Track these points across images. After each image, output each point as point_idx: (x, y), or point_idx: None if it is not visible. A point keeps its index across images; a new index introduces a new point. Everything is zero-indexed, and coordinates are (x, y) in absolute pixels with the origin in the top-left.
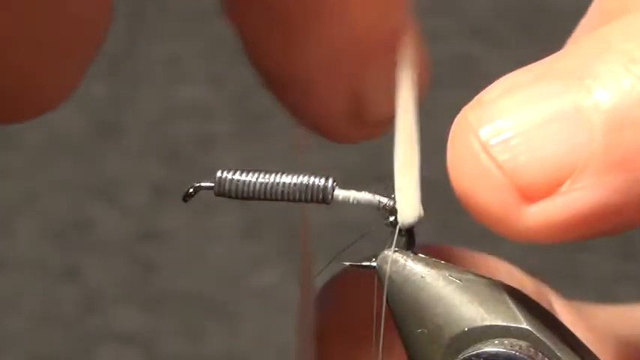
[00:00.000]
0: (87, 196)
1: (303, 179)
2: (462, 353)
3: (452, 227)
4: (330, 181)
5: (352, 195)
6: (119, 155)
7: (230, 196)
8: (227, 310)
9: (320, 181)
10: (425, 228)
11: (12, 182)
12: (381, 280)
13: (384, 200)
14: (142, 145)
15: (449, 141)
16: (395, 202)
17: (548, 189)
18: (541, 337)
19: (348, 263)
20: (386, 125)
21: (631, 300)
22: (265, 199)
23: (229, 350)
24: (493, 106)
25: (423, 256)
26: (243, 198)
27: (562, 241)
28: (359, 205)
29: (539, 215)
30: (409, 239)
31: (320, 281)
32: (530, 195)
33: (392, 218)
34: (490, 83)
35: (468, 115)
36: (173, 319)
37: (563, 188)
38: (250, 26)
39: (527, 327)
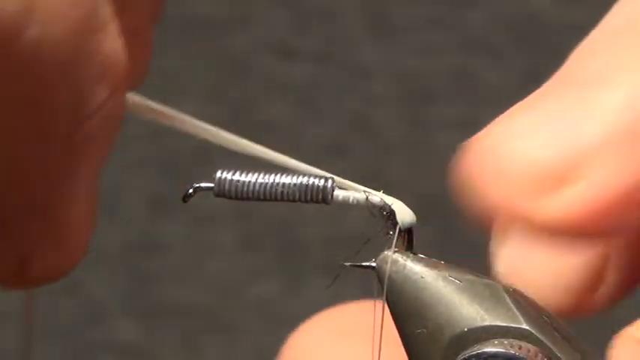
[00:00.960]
0: None
1: (302, 179)
2: (462, 354)
3: (450, 239)
4: (330, 181)
5: (352, 195)
6: (117, 166)
7: (229, 197)
8: (225, 322)
9: (320, 182)
10: (423, 241)
11: None
12: (380, 280)
13: (384, 200)
14: (141, 155)
15: (461, 148)
16: (394, 203)
17: (567, 177)
18: (541, 338)
19: (348, 263)
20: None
21: None
22: (265, 199)
23: None
24: (506, 115)
25: (422, 256)
26: (242, 198)
27: (589, 233)
28: (358, 205)
29: (562, 203)
30: (408, 239)
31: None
32: (551, 184)
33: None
34: (488, 96)
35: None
36: (172, 331)
37: (582, 174)
38: None
39: (527, 327)
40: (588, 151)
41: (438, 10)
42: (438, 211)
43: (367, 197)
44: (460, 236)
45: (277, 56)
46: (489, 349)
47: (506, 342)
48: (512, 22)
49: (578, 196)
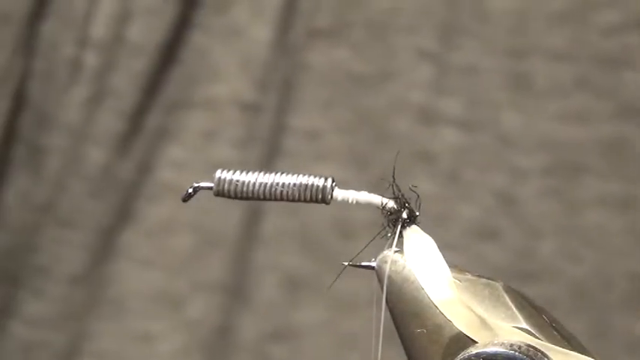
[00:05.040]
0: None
1: (302, 179)
2: (462, 353)
3: (605, 333)
4: (330, 181)
5: (351, 195)
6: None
7: (229, 196)
8: None
9: (319, 182)
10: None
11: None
12: (380, 280)
13: (384, 200)
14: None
15: None
16: (394, 202)
17: None
18: (539, 336)
19: (347, 263)
20: None
21: None
22: (265, 199)
23: None
24: None
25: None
26: (242, 198)
27: None
28: (358, 205)
29: None
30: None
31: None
32: None
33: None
34: None
35: None
36: None
37: None
38: None
39: (527, 326)
40: None
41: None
42: (592, 300)
43: (368, 198)
44: (614, 329)
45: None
46: (489, 349)
47: (505, 341)
48: None
49: None
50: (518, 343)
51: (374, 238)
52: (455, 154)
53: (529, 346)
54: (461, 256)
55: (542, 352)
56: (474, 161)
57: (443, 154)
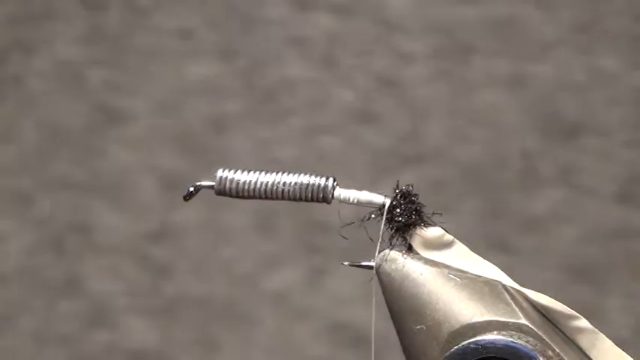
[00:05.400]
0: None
1: (303, 179)
2: (462, 343)
3: (495, 211)
4: (331, 180)
5: (352, 194)
6: (123, 145)
7: (230, 195)
8: (242, 314)
9: (320, 181)
10: (465, 211)
11: (1, 182)
12: (380, 279)
13: (385, 199)
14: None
15: None
16: (395, 201)
17: None
18: (539, 332)
19: (347, 263)
20: None
21: None
22: (266, 198)
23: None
24: None
25: (421, 255)
26: (243, 197)
27: None
28: (359, 204)
29: None
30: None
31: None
32: None
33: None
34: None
35: None
36: (186, 327)
37: None
38: None
39: (526, 322)
40: None
41: None
42: (481, 180)
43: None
44: (508, 210)
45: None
46: (488, 337)
47: (504, 332)
48: None
49: None
50: (518, 334)
51: (380, 239)
52: (330, 39)
53: (528, 337)
54: (338, 139)
55: (541, 339)
56: (352, 46)
57: (317, 39)
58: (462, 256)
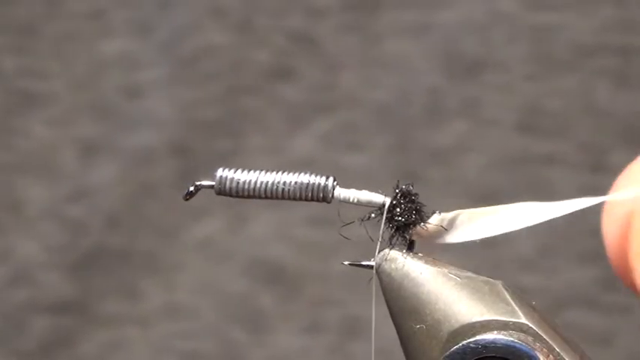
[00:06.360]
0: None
1: (303, 178)
2: (461, 342)
3: (407, 148)
4: (331, 180)
5: (352, 194)
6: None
7: (231, 195)
8: (165, 263)
9: (320, 180)
10: (380, 150)
11: None
12: (380, 279)
13: (385, 199)
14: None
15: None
16: (395, 201)
17: None
18: (539, 332)
19: (347, 262)
20: None
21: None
22: (266, 197)
23: (169, 305)
24: None
25: (421, 254)
26: (244, 196)
27: None
28: (359, 204)
29: None
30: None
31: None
32: None
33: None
34: None
35: None
36: (107, 279)
37: None
38: None
39: (526, 322)
40: None
41: None
42: (394, 121)
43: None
44: (416, 144)
45: None
46: (487, 336)
47: (505, 332)
48: None
49: None
50: (518, 333)
51: (379, 238)
52: (246, 3)
53: (528, 336)
54: (256, 98)
55: (541, 338)
56: (265, 8)
57: (233, 5)
58: (474, 218)
